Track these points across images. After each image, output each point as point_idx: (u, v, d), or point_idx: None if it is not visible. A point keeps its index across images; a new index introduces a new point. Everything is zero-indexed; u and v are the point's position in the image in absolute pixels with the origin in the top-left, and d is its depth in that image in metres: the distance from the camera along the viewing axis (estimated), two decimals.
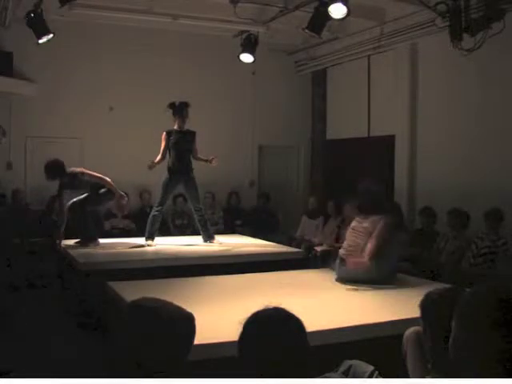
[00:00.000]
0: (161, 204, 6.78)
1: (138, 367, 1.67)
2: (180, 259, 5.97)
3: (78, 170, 6.60)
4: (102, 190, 6.58)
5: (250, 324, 1.73)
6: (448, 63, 7.42)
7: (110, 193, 6.63)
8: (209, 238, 6.88)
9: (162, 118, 8.80)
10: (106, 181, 6.57)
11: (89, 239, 6.52)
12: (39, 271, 6.99)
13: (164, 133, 6.74)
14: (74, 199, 6.61)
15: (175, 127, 6.75)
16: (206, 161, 6.86)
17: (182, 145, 6.73)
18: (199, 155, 6.88)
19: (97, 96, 8.65)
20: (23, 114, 8.35)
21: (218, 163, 6.88)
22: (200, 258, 6.09)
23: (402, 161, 8.34)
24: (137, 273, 5.20)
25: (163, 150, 6.69)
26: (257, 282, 4.90)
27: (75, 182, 6.51)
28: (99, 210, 7.68)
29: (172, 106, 6.75)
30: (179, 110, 6.71)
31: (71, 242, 6.64)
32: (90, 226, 6.59)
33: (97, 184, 6.57)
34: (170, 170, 6.73)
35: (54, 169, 6.48)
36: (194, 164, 6.88)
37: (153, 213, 6.77)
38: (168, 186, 6.77)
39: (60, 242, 6.49)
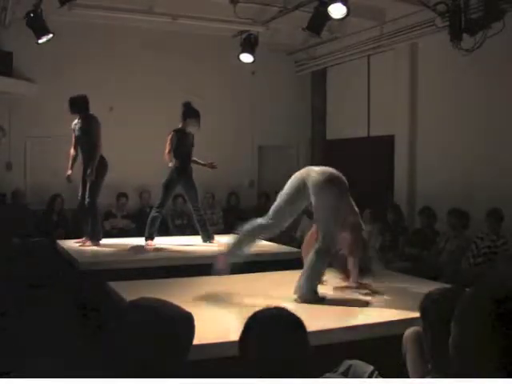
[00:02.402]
0: (162, 205, 6.73)
1: (137, 367, 1.67)
2: (180, 259, 5.97)
3: (95, 115, 6.64)
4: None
5: (251, 324, 1.73)
6: (448, 63, 7.42)
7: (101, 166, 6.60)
8: (208, 238, 6.88)
9: (162, 117, 8.84)
10: (97, 151, 6.53)
11: (90, 239, 6.53)
12: (39, 271, 6.99)
13: (173, 132, 6.59)
14: (80, 197, 6.62)
15: (181, 127, 6.67)
16: (204, 165, 6.84)
17: (187, 146, 6.70)
18: (194, 158, 6.89)
19: (97, 96, 8.62)
20: (23, 114, 8.34)
21: (217, 166, 6.88)
22: (200, 258, 6.08)
23: (402, 161, 8.34)
24: (137, 273, 5.20)
25: (174, 150, 6.54)
26: (257, 282, 4.90)
27: (86, 125, 6.52)
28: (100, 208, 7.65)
29: (190, 108, 6.67)
30: (195, 112, 6.66)
31: (71, 241, 6.64)
32: (94, 226, 6.59)
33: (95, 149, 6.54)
34: (175, 170, 6.62)
35: (80, 102, 6.52)
36: (193, 164, 6.88)
37: (153, 214, 6.73)
38: (170, 187, 6.71)
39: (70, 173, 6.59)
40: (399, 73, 8.34)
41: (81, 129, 6.58)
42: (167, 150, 6.53)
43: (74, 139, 6.65)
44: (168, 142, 6.54)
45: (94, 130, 6.54)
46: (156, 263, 5.78)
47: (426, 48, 7.93)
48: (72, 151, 6.67)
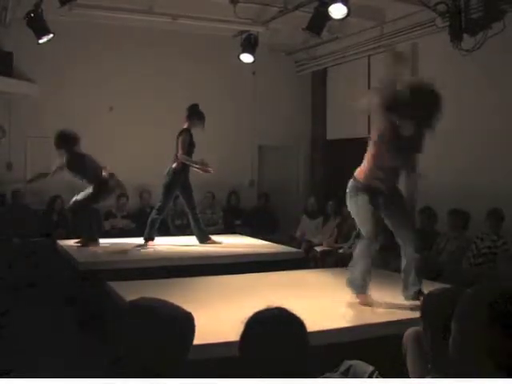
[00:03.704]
0: (163, 207, 6.67)
1: (137, 367, 1.67)
2: (180, 259, 5.97)
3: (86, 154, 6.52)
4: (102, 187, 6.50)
5: (252, 324, 1.73)
6: (448, 63, 7.41)
7: (110, 188, 6.58)
8: (205, 238, 6.86)
9: (162, 117, 8.84)
10: (106, 172, 6.51)
11: (89, 239, 6.51)
12: (39, 271, 6.99)
13: (186, 132, 6.59)
14: (76, 197, 6.57)
15: (187, 127, 6.65)
16: (198, 168, 6.80)
17: (193, 146, 6.69)
18: None
19: (97, 96, 8.66)
20: (23, 114, 8.35)
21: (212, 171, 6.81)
22: (200, 258, 6.09)
23: None
24: (137, 273, 5.21)
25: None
26: (257, 282, 4.90)
27: (79, 163, 6.41)
28: (99, 208, 7.62)
29: (198, 110, 6.71)
30: (202, 114, 6.69)
31: (71, 242, 6.64)
32: (91, 226, 6.58)
33: (98, 178, 6.47)
34: (178, 171, 6.58)
35: (63, 138, 6.43)
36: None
37: (153, 215, 6.68)
38: (173, 189, 6.64)
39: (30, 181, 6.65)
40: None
41: (77, 170, 6.47)
42: (183, 151, 6.49)
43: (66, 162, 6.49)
44: (182, 142, 6.51)
45: (90, 165, 6.47)
46: (156, 263, 5.78)
47: (425, 48, 7.93)
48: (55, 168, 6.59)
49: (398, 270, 4.99)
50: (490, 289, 1.38)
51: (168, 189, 6.63)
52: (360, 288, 4.14)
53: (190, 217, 6.91)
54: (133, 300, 1.87)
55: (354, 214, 4.22)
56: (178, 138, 6.59)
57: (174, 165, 6.58)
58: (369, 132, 9.30)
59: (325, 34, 7.43)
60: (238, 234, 8.22)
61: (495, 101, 6.94)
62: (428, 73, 7.96)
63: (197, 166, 6.62)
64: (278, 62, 9.84)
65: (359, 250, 4.19)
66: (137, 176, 8.62)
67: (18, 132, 8.33)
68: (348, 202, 4.22)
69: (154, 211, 6.76)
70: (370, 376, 1.82)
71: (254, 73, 9.48)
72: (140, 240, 6.73)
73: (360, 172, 4.16)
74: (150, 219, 6.69)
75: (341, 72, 9.71)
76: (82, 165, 6.43)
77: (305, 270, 5.99)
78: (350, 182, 4.20)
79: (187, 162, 6.58)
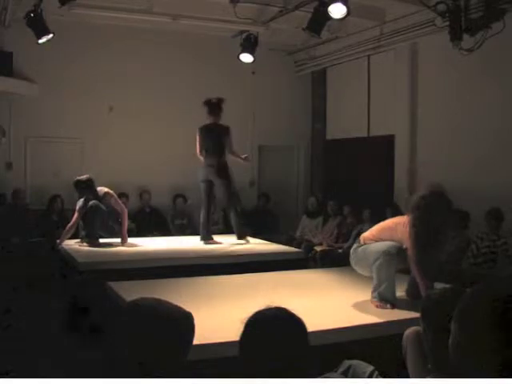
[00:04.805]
0: (228, 201, 6.94)
1: (137, 367, 1.67)
2: (180, 259, 5.97)
3: (105, 190, 6.58)
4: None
5: (252, 323, 1.73)
6: (448, 63, 7.42)
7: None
8: (209, 237, 6.86)
9: (162, 117, 8.84)
10: (124, 217, 6.58)
11: (89, 239, 6.52)
12: (39, 271, 6.98)
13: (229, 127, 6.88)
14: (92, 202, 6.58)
15: (215, 121, 6.85)
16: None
17: None
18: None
19: (97, 96, 8.65)
20: (23, 114, 8.34)
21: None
22: (200, 258, 6.09)
23: (402, 161, 8.33)
24: (137, 273, 5.21)
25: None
26: (257, 282, 4.90)
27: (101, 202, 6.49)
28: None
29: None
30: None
31: (71, 241, 6.64)
32: (94, 226, 6.57)
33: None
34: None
35: (83, 185, 6.49)
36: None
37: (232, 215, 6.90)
38: (232, 179, 6.90)
39: (61, 242, 6.52)
40: (399, 73, 8.34)
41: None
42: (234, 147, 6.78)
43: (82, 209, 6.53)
44: (231, 139, 6.80)
45: (109, 204, 6.54)
46: (156, 263, 5.79)
47: (425, 48, 7.93)
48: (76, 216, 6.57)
49: (398, 270, 4.99)
50: (489, 289, 1.38)
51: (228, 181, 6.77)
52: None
53: (232, 213, 6.93)
54: (132, 300, 1.87)
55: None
56: (225, 134, 6.82)
57: (225, 159, 6.76)
58: (369, 132, 9.39)
59: (324, 33, 7.43)
60: None
61: (495, 100, 6.94)
62: (428, 73, 7.99)
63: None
64: (278, 62, 9.84)
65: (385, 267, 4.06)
66: (137, 176, 8.63)
67: (18, 132, 8.33)
68: None
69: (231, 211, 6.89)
70: (370, 376, 1.82)
71: (253, 73, 9.47)
72: (140, 240, 6.75)
73: None
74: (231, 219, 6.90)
75: (341, 72, 9.71)
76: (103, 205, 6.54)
77: (305, 269, 5.99)
78: None
79: (235, 157, 6.83)
